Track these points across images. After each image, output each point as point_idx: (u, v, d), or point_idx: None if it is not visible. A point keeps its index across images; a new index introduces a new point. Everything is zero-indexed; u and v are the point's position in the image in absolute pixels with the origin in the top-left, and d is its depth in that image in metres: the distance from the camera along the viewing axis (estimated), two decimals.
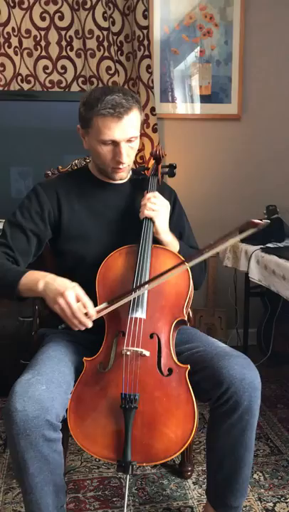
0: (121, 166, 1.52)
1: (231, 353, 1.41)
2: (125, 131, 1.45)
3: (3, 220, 1.60)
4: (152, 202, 1.52)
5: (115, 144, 1.47)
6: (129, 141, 1.48)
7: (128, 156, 1.51)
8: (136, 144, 1.52)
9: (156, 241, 1.53)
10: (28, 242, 1.53)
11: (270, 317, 2.74)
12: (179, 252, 1.56)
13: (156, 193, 1.56)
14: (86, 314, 1.31)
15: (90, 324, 1.32)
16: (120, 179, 1.60)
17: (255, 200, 2.78)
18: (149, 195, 1.54)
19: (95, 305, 1.36)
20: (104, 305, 1.35)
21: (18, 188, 2.50)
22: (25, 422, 1.20)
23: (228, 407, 1.35)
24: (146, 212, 1.50)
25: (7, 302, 2.33)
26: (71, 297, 1.29)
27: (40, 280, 1.35)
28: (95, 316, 1.33)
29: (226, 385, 1.33)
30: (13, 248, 1.50)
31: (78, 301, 1.30)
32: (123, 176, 1.59)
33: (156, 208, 1.52)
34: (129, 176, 1.66)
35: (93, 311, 1.32)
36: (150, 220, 1.51)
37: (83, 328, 1.33)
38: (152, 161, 1.71)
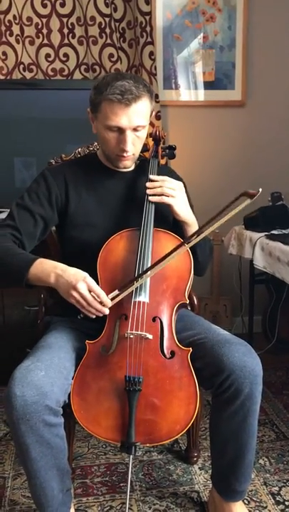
0: (125, 154, 1.51)
1: (232, 340, 1.41)
2: (132, 118, 1.44)
3: (7, 210, 1.60)
4: (168, 187, 1.50)
5: (121, 131, 1.46)
6: (135, 129, 1.47)
7: (133, 144, 1.49)
8: (143, 134, 1.50)
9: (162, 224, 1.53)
10: (35, 226, 1.52)
11: (276, 304, 2.73)
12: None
13: (166, 177, 1.54)
14: (101, 302, 1.33)
15: (106, 311, 1.34)
16: (124, 167, 1.59)
17: (260, 187, 2.75)
18: (159, 182, 1.51)
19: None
20: (116, 292, 1.36)
21: (22, 178, 2.50)
22: (24, 407, 1.21)
23: (229, 394, 1.36)
24: (155, 199, 1.49)
25: (13, 292, 2.36)
26: (83, 289, 1.31)
27: (51, 273, 1.35)
28: (110, 304, 1.34)
29: (227, 373, 1.34)
30: (20, 231, 1.49)
31: (90, 291, 1.32)
32: (127, 164, 1.58)
33: (172, 192, 1.50)
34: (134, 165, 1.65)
35: (107, 300, 1.33)
36: (151, 203, 1.51)
37: (101, 315, 1.34)
38: (152, 143, 1.69)
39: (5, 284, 1.75)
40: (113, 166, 1.59)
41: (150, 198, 1.50)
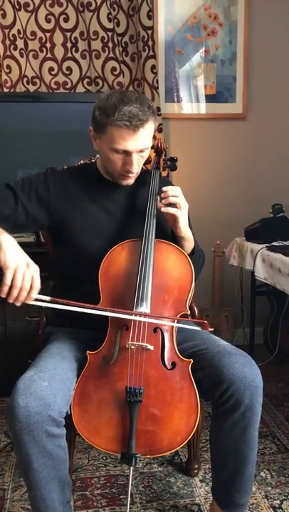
0: (130, 175, 1.53)
1: (232, 351, 1.41)
2: (139, 143, 1.45)
3: None
4: (179, 199, 1.50)
5: (127, 153, 1.47)
6: (140, 151, 1.48)
7: (138, 165, 1.51)
8: (147, 153, 1.52)
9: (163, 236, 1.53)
10: (14, 211, 1.50)
11: (277, 315, 2.73)
12: (195, 247, 1.57)
13: (178, 188, 1.53)
14: (28, 294, 1.27)
15: (18, 304, 1.28)
16: (127, 185, 1.60)
17: (261, 200, 2.78)
18: (171, 192, 1.51)
19: (98, 299, 1.41)
20: (46, 298, 1.30)
21: None
22: (27, 417, 1.21)
23: (229, 406, 1.36)
24: (172, 210, 1.49)
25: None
26: (35, 271, 1.28)
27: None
28: (29, 301, 1.28)
29: (227, 384, 1.34)
30: None
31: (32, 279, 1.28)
32: (130, 182, 1.58)
33: (181, 202, 1.50)
34: None
35: (32, 298, 1.27)
36: (153, 214, 1.51)
37: (11, 301, 1.27)
38: (154, 155, 1.70)
39: None
40: (114, 181, 1.60)
41: (163, 209, 1.49)
